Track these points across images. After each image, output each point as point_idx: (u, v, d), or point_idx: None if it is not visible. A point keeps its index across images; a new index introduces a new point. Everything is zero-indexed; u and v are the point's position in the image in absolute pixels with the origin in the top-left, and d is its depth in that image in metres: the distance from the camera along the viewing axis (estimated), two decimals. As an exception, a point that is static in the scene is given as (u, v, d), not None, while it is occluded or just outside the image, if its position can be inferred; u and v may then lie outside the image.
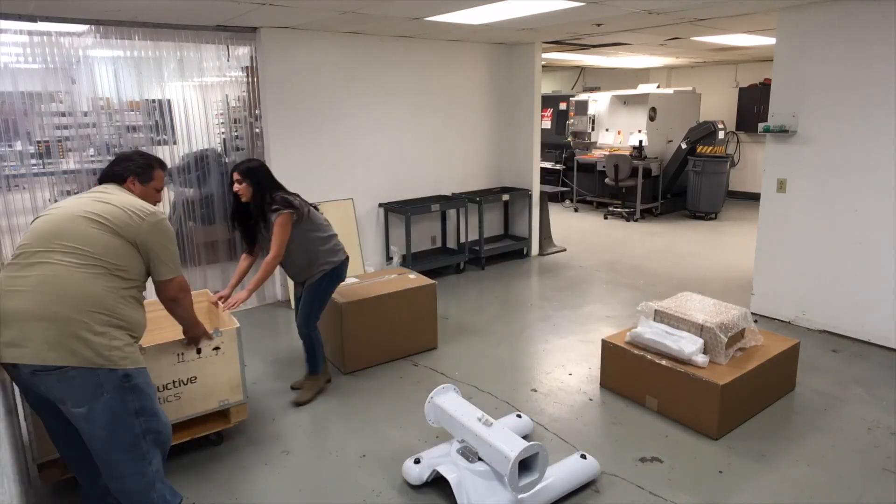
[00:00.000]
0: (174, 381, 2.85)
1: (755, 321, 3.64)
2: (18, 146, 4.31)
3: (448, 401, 2.80)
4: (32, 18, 4.04)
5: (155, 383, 2.50)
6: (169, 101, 4.87)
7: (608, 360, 3.67)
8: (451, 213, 6.47)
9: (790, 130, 4.52)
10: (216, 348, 2.92)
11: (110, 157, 4.66)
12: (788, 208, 4.64)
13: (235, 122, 5.39)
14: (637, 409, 3.45)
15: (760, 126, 4.65)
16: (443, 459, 2.71)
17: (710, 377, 3.10)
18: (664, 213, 9.27)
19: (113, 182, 2.39)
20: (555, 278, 6.06)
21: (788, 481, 2.80)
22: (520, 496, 2.48)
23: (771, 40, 6.02)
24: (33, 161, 4.37)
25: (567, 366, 3.63)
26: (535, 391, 3.70)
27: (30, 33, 4.14)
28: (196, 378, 2.90)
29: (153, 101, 4.79)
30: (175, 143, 4.95)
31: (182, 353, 2.83)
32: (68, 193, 4.62)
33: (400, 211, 5.78)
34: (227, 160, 5.29)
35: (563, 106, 10.31)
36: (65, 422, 2.15)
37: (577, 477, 2.74)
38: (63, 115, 4.48)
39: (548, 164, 10.05)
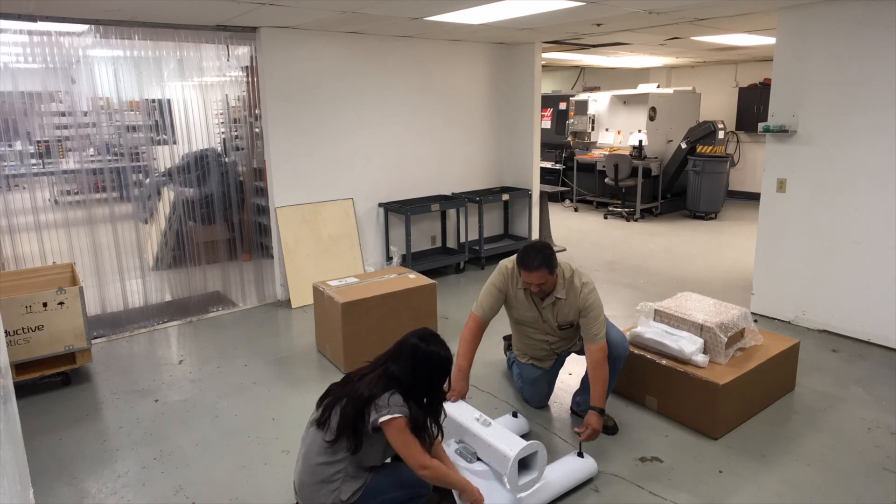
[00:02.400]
0: (23, 328, 3.51)
1: (755, 321, 3.64)
2: (18, 146, 4.31)
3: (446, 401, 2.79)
4: (32, 18, 4.04)
5: (5, 329, 2.82)
6: (169, 100, 4.87)
7: (608, 360, 3.65)
8: (451, 212, 6.47)
9: (790, 130, 4.52)
10: (61, 303, 3.56)
11: (110, 157, 4.67)
12: (788, 208, 4.64)
13: (235, 121, 5.40)
14: (637, 408, 3.45)
15: (760, 126, 4.65)
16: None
17: (710, 377, 3.10)
18: (664, 212, 9.27)
19: None
20: (555, 278, 6.04)
21: (788, 481, 2.80)
22: (519, 495, 2.48)
23: (771, 40, 6.02)
24: (33, 161, 4.37)
25: (566, 366, 3.63)
26: (535, 391, 3.69)
27: (30, 33, 4.14)
28: (43, 326, 3.57)
29: (153, 100, 4.80)
30: (175, 142, 4.96)
31: (30, 305, 3.48)
32: (68, 193, 4.63)
33: (400, 211, 5.78)
34: (226, 160, 5.29)
35: (563, 106, 10.30)
36: None
37: (574, 475, 2.74)
38: (63, 114, 4.48)
39: (548, 164, 10.04)
